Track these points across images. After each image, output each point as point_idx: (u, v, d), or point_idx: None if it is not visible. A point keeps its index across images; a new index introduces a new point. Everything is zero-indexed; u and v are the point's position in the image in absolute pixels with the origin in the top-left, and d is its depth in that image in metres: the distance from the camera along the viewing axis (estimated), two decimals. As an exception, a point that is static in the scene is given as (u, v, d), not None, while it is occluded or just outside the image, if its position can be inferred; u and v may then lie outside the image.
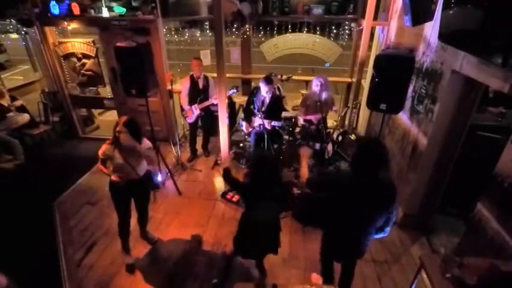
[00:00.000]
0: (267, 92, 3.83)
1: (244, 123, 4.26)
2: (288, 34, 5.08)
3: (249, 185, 2.32)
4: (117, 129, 2.60)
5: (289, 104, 5.20)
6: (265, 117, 3.88)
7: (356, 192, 2.00)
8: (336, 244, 2.30)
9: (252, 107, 4.00)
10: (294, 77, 5.18)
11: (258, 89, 4.02)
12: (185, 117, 4.61)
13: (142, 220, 3.28)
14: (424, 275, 2.05)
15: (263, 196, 2.24)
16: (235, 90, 4.41)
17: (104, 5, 4.66)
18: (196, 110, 4.45)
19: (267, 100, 3.94)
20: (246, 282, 2.71)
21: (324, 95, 3.97)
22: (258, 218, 2.30)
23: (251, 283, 2.81)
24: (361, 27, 4.61)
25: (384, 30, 4.42)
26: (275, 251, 2.55)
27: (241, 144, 4.97)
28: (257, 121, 4.00)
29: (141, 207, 3.17)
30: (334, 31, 5.25)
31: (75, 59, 5.23)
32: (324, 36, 5.09)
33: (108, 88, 5.55)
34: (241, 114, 5.10)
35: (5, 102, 4.84)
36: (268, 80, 3.77)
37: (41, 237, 3.49)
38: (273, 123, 3.90)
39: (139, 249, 3.29)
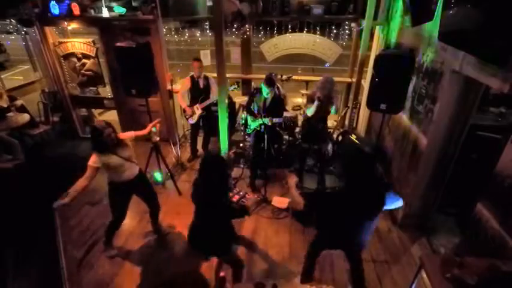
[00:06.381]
0: (268, 93, 3.83)
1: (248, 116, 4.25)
2: (288, 34, 5.08)
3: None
4: (106, 133, 2.63)
5: (289, 104, 5.20)
6: (266, 116, 3.89)
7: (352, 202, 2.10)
8: (333, 235, 2.42)
9: (252, 107, 4.01)
10: (294, 77, 5.17)
11: (258, 89, 4.02)
12: (187, 119, 4.61)
13: (155, 212, 3.33)
14: (424, 275, 2.05)
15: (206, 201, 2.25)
16: (236, 86, 4.42)
17: (104, 5, 4.66)
18: (198, 110, 4.46)
19: (268, 101, 3.94)
20: (246, 283, 2.71)
21: (322, 96, 3.95)
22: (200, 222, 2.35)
23: (251, 283, 2.82)
24: (361, 27, 4.61)
25: (384, 30, 4.43)
26: (222, 255, 2.57)
27: (241, 144, 4.97)
28: (258, 121, 4.00)
29: (149, 199, 3.22)
30: (334, 31, 5.24)
31: (75, 59, 5.22)
32: (324, 36, 5.08)
33: (108, 88, 5.55)
34: (241, 114, 5.10)
35: (4, 103, 4.84)
36: (270, 82, 3.77)
37: (41, 237, 3.49)
38: (274, 119, 3.91)
39: (139, 250, 3.30)
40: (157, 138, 3.81)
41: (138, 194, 3.12)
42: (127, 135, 2.93)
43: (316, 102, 3.67)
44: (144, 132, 3.23)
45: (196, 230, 2.42)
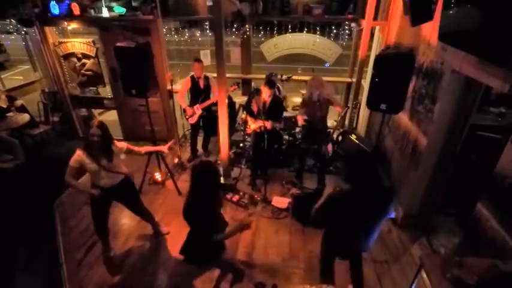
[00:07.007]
0: (269, 95, 3.82)
1: (248, 119, 4.24)
2: (288, 34, 5.08)
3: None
4: (90, 133, 2.58)
5: (289, 104, 5.20)
6: (266, 119, 3.88)
7: (360, 203, 2.12)
8: (340, 240, 2.41)
9: (252, 107, 4.00)
10: (294, 77, 5.17)
11: (258, 90, 4.01)
12: (187, 119, 4.62)
13: (147, 219, 3.28)
14: (424, 275, 2.05)
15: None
16: (236, 87, 4.41)
17: (104, 5, 4.66)
18: (198, 110, 4.46)
19: (268, 102, 3.93)
20: (246, 283, 2.72)
21: (320, 95, 3.95)
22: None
23: (251, 283, 2.82)
24: (361, 27, 4.61)
25: (384, 30, 4.42)
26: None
27: (241, 144, 4.97)
28: (258, 123, 3.99)
29: (132, 208, 3.15)
30: (334, 31, 5.24)
31: (75, 59, 5.22)
32: (324, 36, 5.08)
33: (108, 88, 5.55)
34: (241, 114, 5.10)
35: (3, 103, 4.82)
36: (271, 84, 3.77)
37: (41, 237, 3.49)
38: (274, 124, 3.91)
39: (139, 250, 3.29)
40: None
41: (119, 202, 3.06)
42: (118, 146, 2.82)
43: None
44: (139, 150, 3.08)
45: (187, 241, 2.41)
